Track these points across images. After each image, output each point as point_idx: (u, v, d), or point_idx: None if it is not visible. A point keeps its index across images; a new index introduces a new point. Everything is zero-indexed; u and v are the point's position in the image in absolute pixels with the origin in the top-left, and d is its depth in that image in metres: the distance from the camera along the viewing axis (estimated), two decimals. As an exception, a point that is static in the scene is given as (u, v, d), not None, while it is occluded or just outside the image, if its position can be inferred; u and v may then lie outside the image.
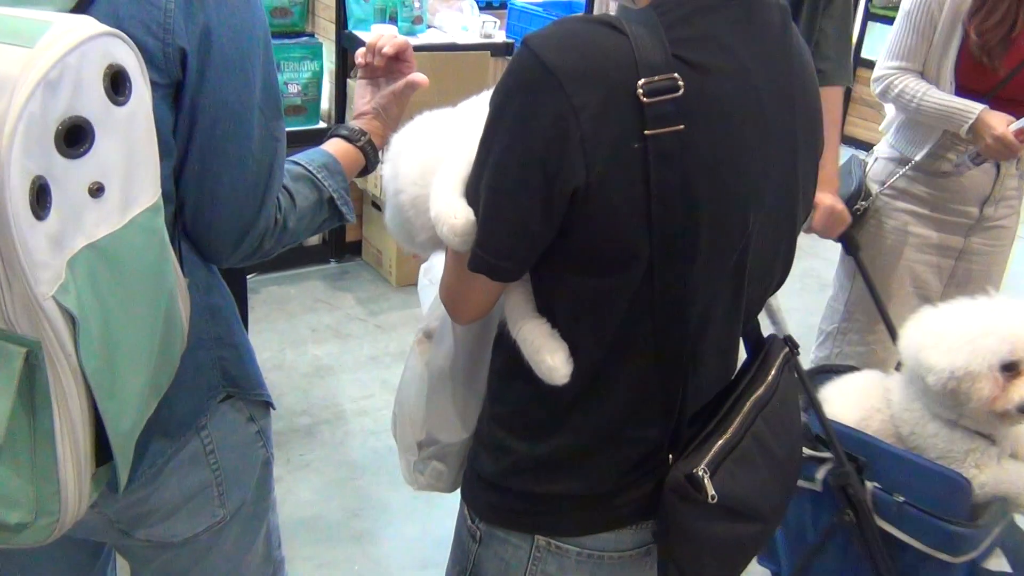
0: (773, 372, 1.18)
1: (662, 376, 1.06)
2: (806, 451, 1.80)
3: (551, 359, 1.02)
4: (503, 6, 5.45)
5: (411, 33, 3.70)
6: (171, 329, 1.01)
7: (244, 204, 1.08)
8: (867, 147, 6.48)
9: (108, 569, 1.40)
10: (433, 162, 1.07)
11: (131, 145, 0.90)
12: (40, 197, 0.81)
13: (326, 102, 3.83)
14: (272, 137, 1.08)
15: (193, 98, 1.00)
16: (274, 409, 1.30)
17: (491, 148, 0.96)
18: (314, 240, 4.04)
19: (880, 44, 6.61)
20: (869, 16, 6.29)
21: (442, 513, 2.62)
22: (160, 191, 0.96)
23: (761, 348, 1.22)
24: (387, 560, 2.48)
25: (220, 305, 1.17)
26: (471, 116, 1.09)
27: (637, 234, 0.95)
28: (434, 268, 1.34)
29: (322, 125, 3.80)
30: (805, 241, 5.24)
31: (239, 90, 1.03)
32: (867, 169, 2.52)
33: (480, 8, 4.04)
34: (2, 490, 0.89)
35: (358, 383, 3.20)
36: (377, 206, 3.91)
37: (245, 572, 1.33)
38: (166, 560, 1.24)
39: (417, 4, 3.70)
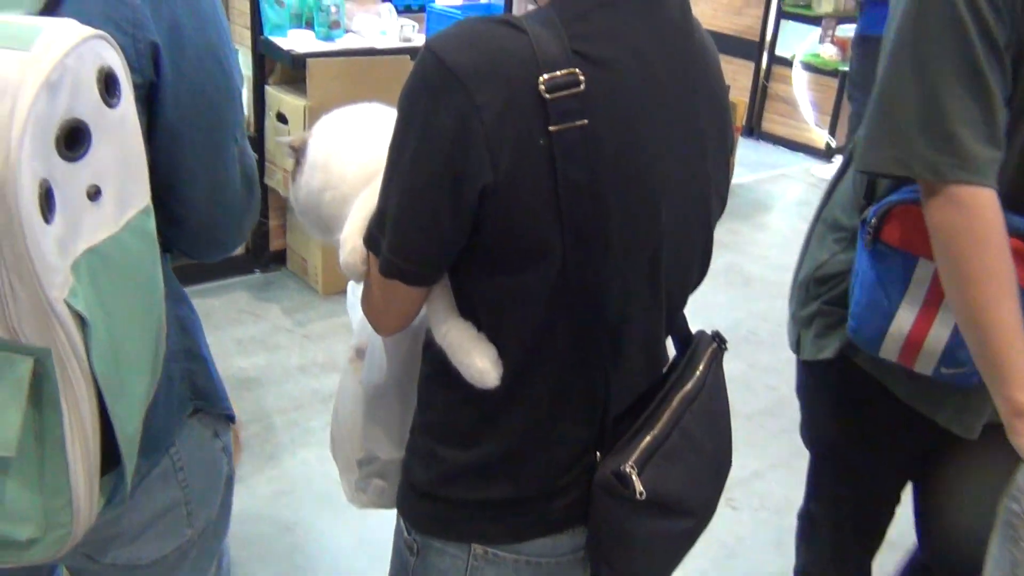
0: (701, 367, 1.19)
1: (583, 373, 1.06)
2: None
3: (480, 362, 1.01)
4: (421, 9, 5.44)
5: (328, 38, 3.67)
6: (160, 335, 1.01)
7: (240, 188, 1.13)
8: (785, 144, 6.62)
9: None
10: (371, 168, 1.08)
11: (124, 147, 0.90)
12: (47, 200, 0.81)
13: (244, 109, 3.77)
14: (243, 115, 1.13)
15: (173, 95, 1.01)
16: (233, 423, 1.28)
17: (401, 153, 0.96)
18: (237, 250, 3.96)
19: (794, 42, 6.70)
20: (782, 14, 6.42)
21: (376, 524, 2.58)
22: (149, 194, 0.97)
23: (689, 344, 1.23)
24: (322, 575, 2.44)
25: (189, 317, 1.18)
26: None
27: (548, 229, 0.96)
28: (361, 285, 1.34)
29: (241, 133, 3.73)
30: (725, 236, 5.33)
31: (216, 78, 1.04)
32: None
33: (398, 12, 4.02)
34: (12, 506, 0.87)
35: (287, 395, 3.16)
36: (300, 214, 3.85)
37: None
38: None
39: (334, 9, 3.67)
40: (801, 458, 3.08)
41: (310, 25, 3.68)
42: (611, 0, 0.99)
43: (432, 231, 0.96)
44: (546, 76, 0.91)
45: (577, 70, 0.93)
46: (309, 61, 3.48)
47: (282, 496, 2.69)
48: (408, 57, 3.78)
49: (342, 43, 3.70)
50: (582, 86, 0.93)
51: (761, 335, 3.89)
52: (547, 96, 0.91)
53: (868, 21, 5.54)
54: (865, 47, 5.57)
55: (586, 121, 0.93)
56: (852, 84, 5.68)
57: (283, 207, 3.96)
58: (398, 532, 1.23)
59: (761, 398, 3.40)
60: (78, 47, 0.82)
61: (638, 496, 1.04)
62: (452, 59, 0.91)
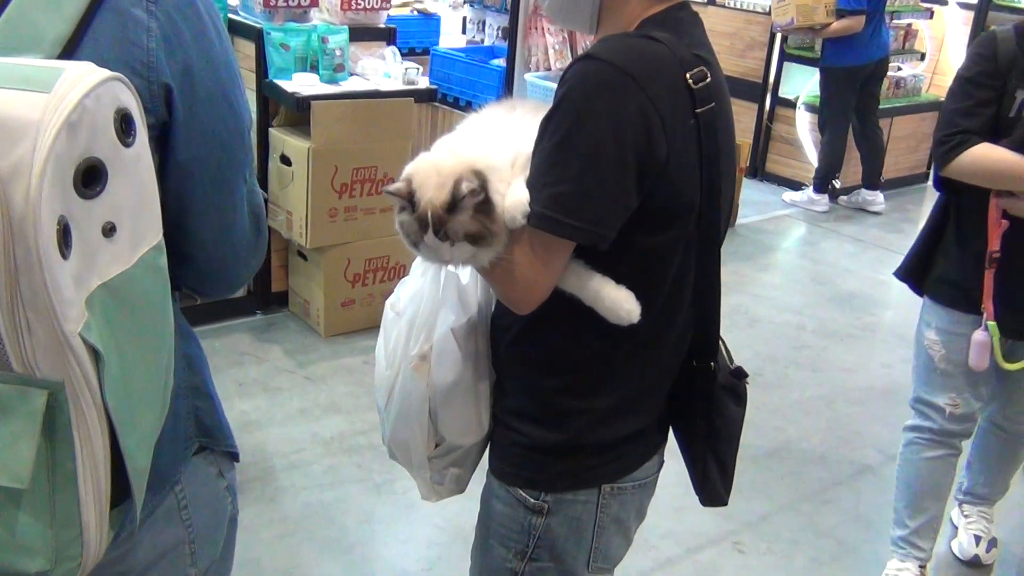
0: None
1: (700, 312, 1.36)
2: None
3: (628, 304, 1.25)
4: (426, 52, 5.51)
5: (333, 81, 3.72)
6: (169, 370, 1.04)
7: (248, 227, 1.16)
8: (789, 184, 6.66)
9: None
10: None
11: (138, 185, 0.93)
12: (64, 237, 0.83)
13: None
14: (252, 154, 1.17)
15: (185, 135, 1.04)
16: (237, 462, 1.30)
17: (582, 143, 1.17)
18: (238, 291, 3.98)
19: (797, 83, 6.82)
20: (785, 57, 6.49)
21: (380, 566, 2.60)
22: (162, 230, 0.99)
23: None
24: (323, 619, 2.43)
25: (196, 354, 1.21)
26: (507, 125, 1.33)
27: (694, 190, 1.26)
28: (401, 301, 1.47)
29: (244, 175, 3.77)
30: (729, 277, 5.32)
31: (227, 120, 1.09)
32: None
33: (402, 55, 4.08)
34: (23, 539, 0.88)
35: (288, 438, 3.17)
36: (303, 255, 3.88)
37: None
38: None
39: (339, 52, 3.73)
40: (808, 501, 3.08)
41: (314, 68, 3.74)
42: (694, 21, 1.32)
43: (620, 202, 1.20)
44: (689, 72, 1.22)
45: (703, 67, 1.23)
46: (313, 104, 3.54)
47: (283, 540, 2.68)
48: (412, 100, 3.83)
49: (346, 86, 3.76)
50: (709, 79, 1.23)
51: (767, 376, 3.90)
52: (694, 86, 1.22)
53: (827, 54, 5.82)
54: (825, 77, 5.81)
55: (714, 104, 1.24)
56: (821, 114, 5.94)
57: (285, 248, 3.99)
58: (511, 507, 1.40)
59: (768, 440, 3.40)
60: (97, 88, 0.85)
61: (746, 385, 1.44)
62: (624, 64, 1.18)
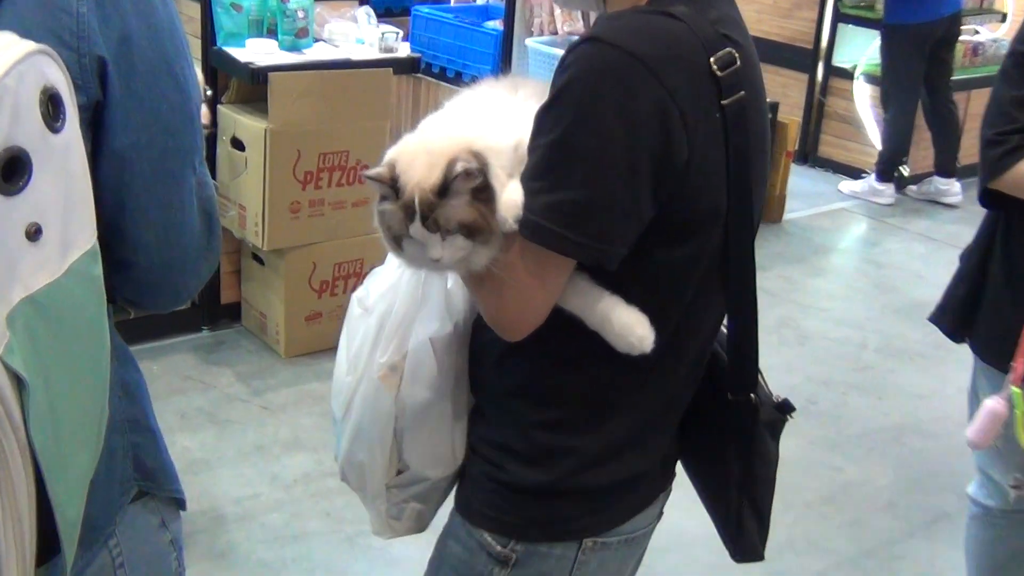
0: None
1: (737, 326, 1.37)
2: None
3: (640, 329, 1.24)
4: (405, 12, 5.52)
5: (294, 48, 3.74)
6: (104, 400, 1.03)
7: (198, 226, 1.16)
8: (847, 171, 6.64)
9: None
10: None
11: (68, 179, 0.93)
12: None
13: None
14: (202, 139, 1.17)
15: (123, 117, 1.05)
16: (183, 510, 1.31)
17: (583, 140, 1.17)
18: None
19: (855, 49, 6.81)
20: (839, 17, 6.50)
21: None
22: (96, 232, 0.99)
23: None
24: None
25: (134, 381, 1.22)
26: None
27: (720, 195, 1.26)
28: (371, 295, 1.46)
29: (188, 162, 3.77)
30: (775, 283, 5.31)
31: (172, 98, 1.09)
32: None
33: (378, 16, 4.09)
34: None
35: (241, 479, 3.17)
36: (259, 259, 3.88)
37: None
38: None
39: (301, 13, 3.73)
40: (873, 556, 3.07)
41: (272, 33, 3.75)
42: None
43: (632, 212, 1.20)
44: (715, 56, 1.21)
45: (731, 49, 1.22)
46: (271, 76, 3.54)
47: (234, 605, 2.68)
48: (391, 70, 3.83)
49: (311, 54, 3.77)
50: (738, 63, 1.23)
51: (821, 404, 3.90)
52: (719, 73, 1.21)
53: (889, 10, 5.80)
54: (888, 38, 5.80)
55: (743, 93, 1.24)
56: (883, 85, 5.90)
57: (238, 251, 4.00)
58: (470, 552, 1.39)
59: (823, 483, 3.37)
60: (19, 64, 0.85)
61: (790, 418, 1.45)
62: (636, 48, 1.17)
